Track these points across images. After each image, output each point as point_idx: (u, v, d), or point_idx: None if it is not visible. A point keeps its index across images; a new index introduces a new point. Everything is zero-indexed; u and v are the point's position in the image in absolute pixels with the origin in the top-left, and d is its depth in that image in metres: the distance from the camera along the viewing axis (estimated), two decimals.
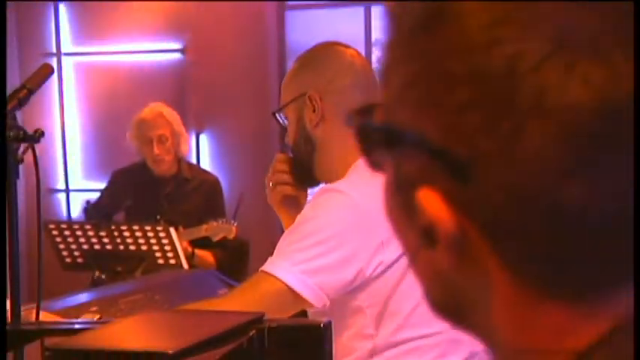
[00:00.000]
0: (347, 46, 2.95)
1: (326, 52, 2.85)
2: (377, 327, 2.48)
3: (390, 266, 2.43)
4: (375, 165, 0.74)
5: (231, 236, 5.38)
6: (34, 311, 2.34)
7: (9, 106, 1.92)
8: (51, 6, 7.48)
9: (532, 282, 0.66)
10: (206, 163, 6.84)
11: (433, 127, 0.63)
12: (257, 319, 1.82)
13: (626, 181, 0.62)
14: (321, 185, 2.73)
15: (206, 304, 2.69)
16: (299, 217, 2.60)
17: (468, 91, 0.61)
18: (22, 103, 1.98)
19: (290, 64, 7.19)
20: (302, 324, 2.03)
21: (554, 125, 0.59)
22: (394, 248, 2.36)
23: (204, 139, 7.27)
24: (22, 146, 2.06)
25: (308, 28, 7.41)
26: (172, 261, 5.06)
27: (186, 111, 7.00)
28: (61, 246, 5.22)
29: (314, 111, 2.60)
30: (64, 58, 7.51)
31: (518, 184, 0.61)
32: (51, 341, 1.80)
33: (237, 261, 5.59)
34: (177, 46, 7.30)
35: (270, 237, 6.55)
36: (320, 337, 1.89)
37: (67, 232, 5.22)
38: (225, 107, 7.31)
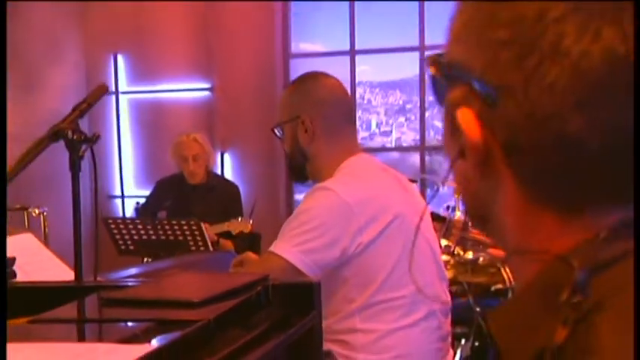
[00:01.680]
0: (330, 76, 2.94)
1: (314, 80, 2.82)
2: (358, 292, 2.49)
3: (367, 246, 2.43)
4: (439, 95, 0.77)
5: (247, 230, 5.39)
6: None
7: (73, 116, 1.93)
8: (111, 56, 7.41)
9: (536, 192, 0.70)
10: (229, 175, 6.84)
11: (476, 61, 0.67)
12: (263, 279, 1.82)
13: (622, 119, 0.64)
14: (313, 184, 2.72)
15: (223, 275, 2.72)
16: (296, 209, 2.61)
17: (506, 31, 0.65)
18: (82, 114, 2.00)
19: None
20: (297, 282, 2.00)
21: (568, 66, 0.62)
22: (371, 231, 2.43)
23: (227, 156, 7.21)
24: (83, 147, 2.03)
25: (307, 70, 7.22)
26: (202, 249, 5.04)
27: (214, 135, 7.00)
28: (117, 236, 5.21)
29: (306, 131, 2.61)
30: (120, 96, 7.47)
31: (534, 110, 0.64)
32: (105, 293, 1.78)
33: (251, 249, 5.08)
34: (206, 85, 7.25)
35: (277, 231, 6.89)
36: (311, 291, 1.87)
37: (121, 226, 5.21)
38: (243, 132, 7.19)
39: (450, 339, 2.78)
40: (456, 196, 4.52)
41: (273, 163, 7.24)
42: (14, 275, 2.06)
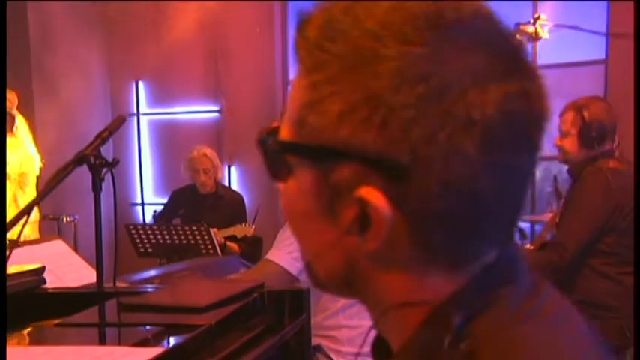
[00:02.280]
0: None
1: None
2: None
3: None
4: (277, 177, 0.72)
5: (250, 234, 5.42)
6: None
7: (95, 144, 1.95)
8: (133, 82, 7.41)
9: (430, 251, 0.64)
10: (234, 185, 6.85)
11: (373, 142, 0.60)
12: (259, 286, 1.88)
13: (520, 162, 0.63)
14: None
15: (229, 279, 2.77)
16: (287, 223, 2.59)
17: (411, 111, 0.59)
18: (104, 142, 2.03)
19: None
20: (290, 288, 2.05)
21: (477, 133, 0.59)
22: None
23: (233, 169, 7.21)
24: (104, 170, 2.08)
25: None
26: (211, 251, 5.07)
27: (222, 151, 6.93)
28: (137, 240, 5.26)
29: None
30: (141, 117, 7.50)
31: (451, 178, 0.60)
32: (123, 298, 1.83)
33: (254, 250, 5.55)
34: (215, 108, 7.22)
35: (276, 235, 6.85)
36: (301, 296, 1.92)
37: (141, 231, 5.26)
38: (247, 149, 6.72)
39: None
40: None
41: None
42: (44, 282, 2.05)
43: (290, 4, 7.08)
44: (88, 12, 7.21)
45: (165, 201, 6.84)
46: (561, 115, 3.57)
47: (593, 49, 6.06)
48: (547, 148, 5.53)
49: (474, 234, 0.65)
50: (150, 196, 7.53)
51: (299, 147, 0.66)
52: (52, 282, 2.47)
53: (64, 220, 5.94)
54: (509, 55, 0.64)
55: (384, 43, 0.61)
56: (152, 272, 3.31)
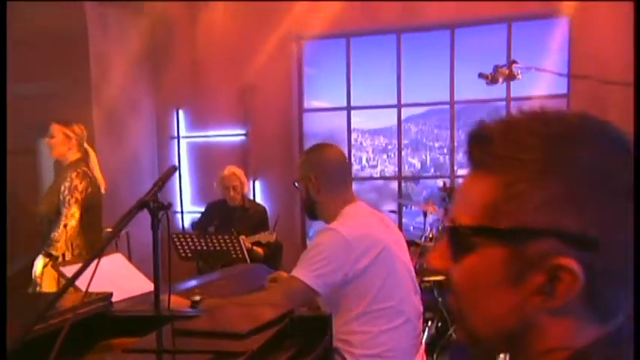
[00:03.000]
0: (333, 146, 2.99)
1: (320, 150, 2.87)
2: (355, 304, 2.50)
3: (362, 271, 2.45)
4: (461, 253, 0.71)
5: (272, 240, 5.39)
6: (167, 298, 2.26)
7: (153, 191, 1.99)
8: (175, 110, 7.38)
9: (597, 305, 0.66)
10: (258, 197, 6.86)
11: (573, 224, 0.63)
12: (289, 312, 1.84)
13: None
14: (323, 224, 2.74)
15: (263, 293, 2.76)
16: (311, 243, 2.62)
17: (604, 200, 0.63)
18: (159, 189, 2.06)
19: (306, 145, 6.98)
20: (316, 315, 2.05)
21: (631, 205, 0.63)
22: (365, 260, 2.45)
23: (257, 183, 7.20)
24: (160, 213, 2.16)
25: (319, 122, 7.43)
26: (240, 256, 5.09)
27: (247, 168, 6.86)
28: (179, 246, 5.26)
29: (313, 186, 2.65)
30: (181, 140, 7.50)
31: (625, 239, 0.63)
32: (177, 324, 1.80)
33: (276, 254, 5.58)
34: (243, 132, 7.21)
35: (294, 241, 6.87)
36: (326, 321, 1.94)
37: (182, 239, 5.28)
38: (269, 166, 7.16)
39: (421, 335, 2.79)
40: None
41: (291, 189, 7.23)
42: (111, 306, 2.07)
43: (305, 44, 7.10)
44: (139, 51, 7.15)
45: (199, 209, 6.86)
46: None
47: (557, 85, 6.20)
48: None
49: (626, 286, 0.66)
50: (187, 205, 7.53)
51: (494, 230, 0.67)
52: (114, 292, 2.57)
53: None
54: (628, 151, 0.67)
55: (573, 146, 0.65)
56: (193, 282, 3.31)
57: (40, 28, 6.19)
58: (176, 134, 7.45)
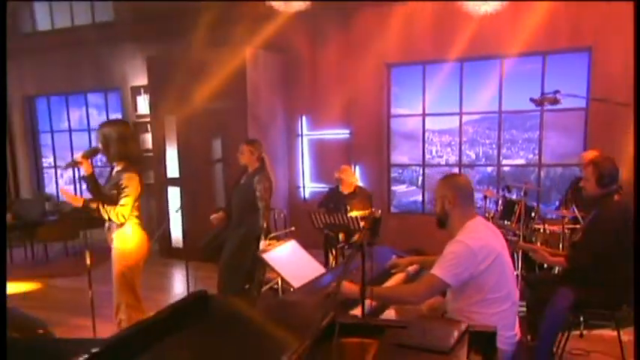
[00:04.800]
0: (462, 174, 3.14)
1: (455, 176, 2.88)
2: (476, 293, 2.51)
3: (482, 271, 2.47)
4: None
5: (377, 216, 5.55)
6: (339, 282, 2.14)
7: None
8: (300, 116, 7.86)
9: None
10: (361, 183, 6.53)
11: None
12: (468, 327, 1.76)
13: None
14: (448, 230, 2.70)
15: (413, 285, 2.68)
16: (446, 250, 2.57)
17: None
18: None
19: (392, 141, 7.30)
20: (482, 330, 1.86)
21: None
22: (484, 263, 2.47)
23: (357, 168, 7.37)
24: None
25: (402, 124, 7.48)
26: (355, 227, 5.23)
27: (350, 157, 7.44)
28: (314, 220, 5.49)
29: (449, 203, 2.64)
30: (304, 137, 7.91)
31: None
32: (390, 336, 1.69)
33: (375, 227, 5.57)
34: (347, 131, 7.58)
35: (382, 210, 7.04)
36: (494, 337, 1.83)
37: (316, 215, 5.48)
38: (366, 156, 7.51)
39: (518, 314, 2.70)
40: None
41: (382, 172, 7.64)
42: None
43: (392, 69, 7.43)
44: (277, 77, 7.67)
45: (315, 185, 7.53)
46: (584, 167, 3.58)
47: (578, 101, 6.16)
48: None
49: None
50: (308, 182, 8.00)
51: None
52: (293, 277, 2.77)
53: (277, 214, 6.13)
54: None
55: None
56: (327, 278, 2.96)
57: (216, 62, 7.00)
58: (300, 133, 7.94)
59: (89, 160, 3.57)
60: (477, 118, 7.33)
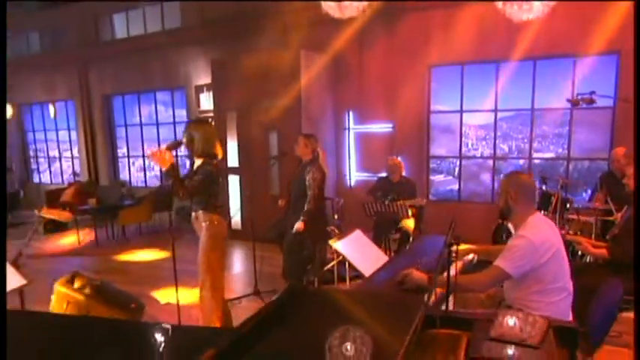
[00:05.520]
0: (524, 173, 2.99)
1: (518, 174, 2.76)
2: (535, 284, 2.49)
3: (542, 264, 2.45)
4: None
5: (423, 204, 5.66)
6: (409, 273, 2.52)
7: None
8: (347, 111, 7.90)
9: None
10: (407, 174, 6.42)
11: None
12: (551, 321, 1.68)
13: None
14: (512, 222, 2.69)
15: (477, 275, 2.59)
16: (509, 243, 2.55)
17: None
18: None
19: (431, 135, 7.37)
20: (567, 327, 1.79)
21: None
22: (545, 256, 2.45)
23: (399, 159, 6.66)
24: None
25: (441, 120, 7.55)
26: (403, 215, 5.35)
27: (393, 149, 7.57)
28: (366, 209, 5.54)
29: (512, 199, 2.61)
30: (350, 130, 8.01)
31: None
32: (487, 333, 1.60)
33: (421, 214, 5.71)
34: (390, 125, 7.61)
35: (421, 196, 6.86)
36: (577, 333, 1.75)
37: (368, 204, 5.54)
38: (408, 148, 7.57)
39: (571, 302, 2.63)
40: None
41: (421, 163, 7.78)
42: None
43: (433, 69, 7.50)
44: (327, 77, 7.83)
45: (361, 174, 7.67)
46: (625, 165, 3.62)
47: (605, 101, 6.09)
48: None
49: None
50: (353, 171, 8.17)
51: None
52: (364, 266, 2.80)
53: (335, 201, 6.23)
54: None
55: None
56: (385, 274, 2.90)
57: (275, 65, 7.16)
58: (347, 127, 8.11)
59: (172, 152, 3.59)
60: (510, 115, 7.36)
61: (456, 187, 7.96)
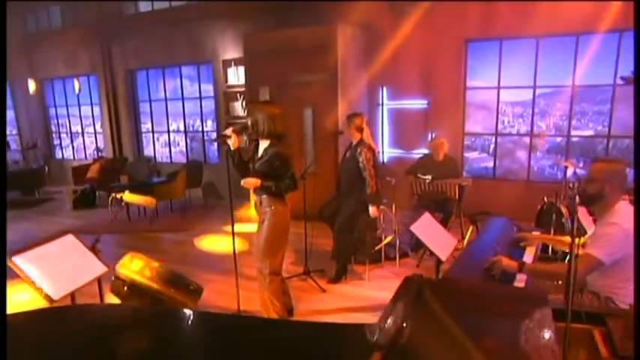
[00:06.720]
0: (621, 161, 2.73)
1: (619, 164, 2.64)
2: (626, 270, 2.46)
3: (630, 253, 2.42)
4: None
5: (469, 184, 5.57)
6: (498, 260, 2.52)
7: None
8: (380, 86, 7.85)
9: None
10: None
11: None
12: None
13: None
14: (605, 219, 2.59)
15: (565, 264, 2.65)
16: (600, 230, 2.53)
17: None
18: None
19: (467, 111, 7.14)
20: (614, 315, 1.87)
21: None
22: (634, 244, 2.40)
23: (433, 136, 7.29)
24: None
25: (477, 96, 7.42)
26: (450, 194, 5.34)
27: (427, 125, 7.59)
28: (413, 187, 5.61)
29: (610, 189, 2.57)
30: (384, 106, 7.96)
31: None
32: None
33: (462, 193, 5.55)
34: (425, 101, 7.64)
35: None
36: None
37: (415, 183, 5.57)
38: (444, 124, 7.49)
39: None
40: None
41: (456, 140, 7.62)
42: None
43: (469, 44, 7.37)
44: (361, 52, 7.68)
45: (393, 150, 7.65)
46: None
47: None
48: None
49: None
50: (387, 148, 8.13)
51: None
52: (439, 249, 2.76)
53: (389, 181, 5.89)
54: None
55: None
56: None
57: (310, 40, 7.13)
58: (381, 102, 8.03)
59: (238, 136, 3.56)
60: (549, 92, 7.25)
61: (491, 164, 7.90)
